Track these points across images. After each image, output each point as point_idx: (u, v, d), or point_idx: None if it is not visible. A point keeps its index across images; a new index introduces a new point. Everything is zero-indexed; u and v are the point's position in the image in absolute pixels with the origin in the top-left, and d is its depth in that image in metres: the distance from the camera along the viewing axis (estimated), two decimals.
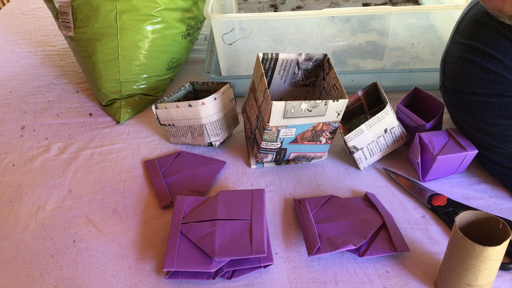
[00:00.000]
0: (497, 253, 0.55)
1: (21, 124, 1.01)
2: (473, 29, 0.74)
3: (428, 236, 0.73)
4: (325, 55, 0.82)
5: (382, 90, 0.85)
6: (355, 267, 0.69)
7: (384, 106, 0.83)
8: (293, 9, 1.32)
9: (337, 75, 0.78)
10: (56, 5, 0.97)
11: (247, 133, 0.90)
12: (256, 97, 0.80)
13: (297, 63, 0.83)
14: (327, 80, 0.82)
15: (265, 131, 0.76)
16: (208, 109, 0.84)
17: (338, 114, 0.75)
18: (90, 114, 1.03)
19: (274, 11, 1.31)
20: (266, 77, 0.84)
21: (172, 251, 0.67)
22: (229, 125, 0.90)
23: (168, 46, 1.01)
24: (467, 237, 0.56)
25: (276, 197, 0.81)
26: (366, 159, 0.84)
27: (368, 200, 0.77)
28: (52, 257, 0.72)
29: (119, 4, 0.93)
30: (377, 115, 0.80)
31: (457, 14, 0.85)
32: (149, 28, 0.97)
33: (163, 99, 0.89)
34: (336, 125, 0.78)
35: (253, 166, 0.87)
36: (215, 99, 0.84)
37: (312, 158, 0.87)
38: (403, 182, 0.82)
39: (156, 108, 0.88)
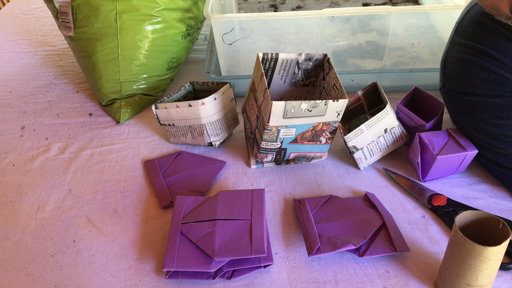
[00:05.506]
0: (497, 253, 0.55)
1: (21, 124, 1.01)
2: (473, 30, 0.74)
3: (428, 236, 0.73)
4: (325, 55, 0.82)
5: (382, 90, 0.85)
6: (355, 267, 0.69)
7: (384, 106, 0.83)
8: (293, 9, 1.32)
9: (337, 75, 0.78)
10: (56, 5, 0.97)
11: (247, 133, 0.90)
12: (256, 97, 0.80)
13: (297, 63, 0.83)
14: (327, 80, 0.82)
15: (265, 131, 0.76)
16: (208, 109, 0.84)
17: (338, 114, 0.75)
18: (90, 114, 1.03)
19: (274, 11, 1.31)
20: (266, 77, 0.84)
21: (172, 251, 0.67)
22: (229, 125, 0.90)
23: (168, 46, 1.01)
24: (467, 237, 0.56)
25: (276, 197, 0.81)
26: (366, 159, 0.84)
27: (368, 200, 0.77)
28: (52, 257, 0.72)
29: (119, 4, 0.93)
30: (377, 115, 0.80)
31: (457, 14, 0.85)
32: (149, 28, 0.97)
33: (163, 99, 0.89)
34: (336, 125, 0.78)
35: (253, 166, 0.87)
36: (215, 99, 0.84)
37: (312, 158, 0.87)
38: (403, 182, 0.82)
39: (156, 108, 0.88)
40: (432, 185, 0.81)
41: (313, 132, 0.78)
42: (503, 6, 0.60)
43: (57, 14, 0.98)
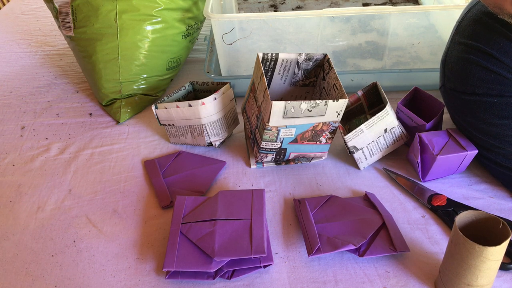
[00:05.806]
0: (497, 253, 0.55)
1: (21, 124, 1.01)
2: (473, 29, 0.74)
3: (428, 236, 0.73)
4: (325, 55, 0.82)
5: (382, 90, 0.85)
6: (355, 267, 0.69)
7: (384, 106, 0.83)
8: (293, 9, 1.32)
9: (337, 75, 0.78)
10: (56, 5, 0.97)
11: (247, 133, 0.90)
12: (256, 97, 0.80)
13: (297, 63, 0.83)
14: (327, 80, 0.82)
15: (265, 131, 0.76)
16: (208, 109, 0.84)
17: (338, 114, 0.75)
18: (90, 114, 1.03)
19: (274, 11, 1.31)
20: (266, 77, 0.85)
21: (172, 251, 0.67)
22: (229, 125, 0.90)
23: (168, 46, 1.01)
24: (467, 237, 0.56)
25: (276, 197, 0.81)
26: (366, 159, 0.84)
27: (368, 200, 0.77)
28: (52, 257, 0.72)
29: (119, 4, 0.93)
30: (377, 115, 0.80)
31: (457, 14, 0.85)
32: (149, 28, 0.97)
33: (163, 99, 0.89)
34: (336, 125, 0.78)
35: (253, 166, 0.87)
36: (215, 99, 0.84)
37: (312, 158, 0.87)
38: (403, 182, 0.82)
39: (156, 108, 0.88)
40: (432, 185, 0.81)
41: (313, 132, 0.78)
42: (506, 5, 0.60)
43: (57, 14, 0.98)
